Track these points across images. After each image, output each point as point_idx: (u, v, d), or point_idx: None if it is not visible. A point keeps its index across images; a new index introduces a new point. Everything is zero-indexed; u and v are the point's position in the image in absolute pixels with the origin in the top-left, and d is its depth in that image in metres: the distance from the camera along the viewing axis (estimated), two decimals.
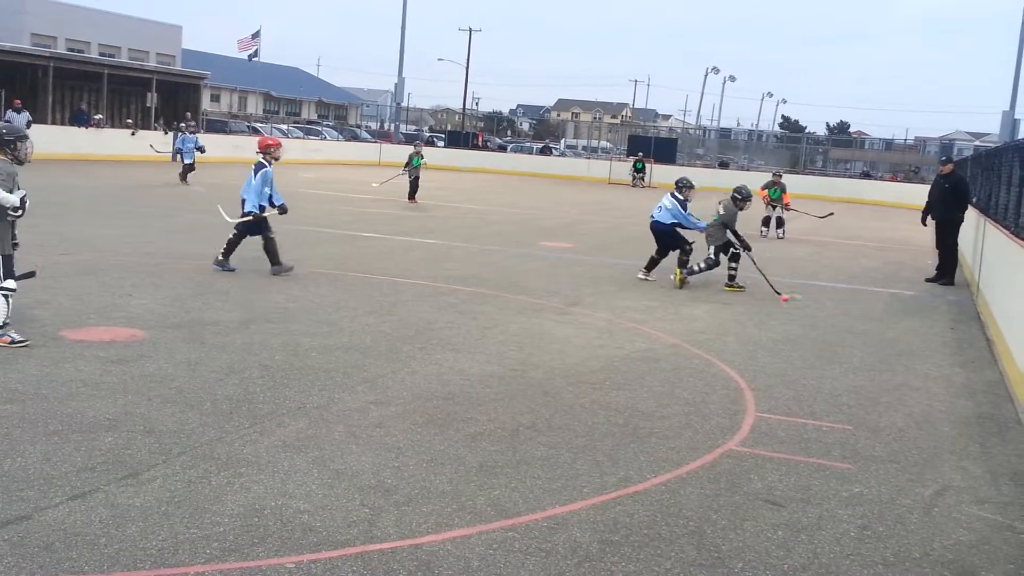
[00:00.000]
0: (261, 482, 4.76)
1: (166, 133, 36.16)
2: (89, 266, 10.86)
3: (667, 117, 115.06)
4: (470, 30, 71.27)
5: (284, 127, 54.46)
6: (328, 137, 53.49)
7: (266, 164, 11.27)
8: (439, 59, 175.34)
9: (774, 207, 20.98)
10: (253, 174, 11.21)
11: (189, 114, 37.29)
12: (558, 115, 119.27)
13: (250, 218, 11.15)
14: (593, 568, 4.05)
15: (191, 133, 26.43)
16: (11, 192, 6.95)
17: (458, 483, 4.91)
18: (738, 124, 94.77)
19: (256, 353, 7.35)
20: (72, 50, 47.19)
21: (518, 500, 4.69)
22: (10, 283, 7.07)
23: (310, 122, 67.44)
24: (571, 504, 4.73)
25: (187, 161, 25.16)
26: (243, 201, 11.28)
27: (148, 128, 37.04)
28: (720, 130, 74.31)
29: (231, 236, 11.17)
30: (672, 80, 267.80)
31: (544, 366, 7.55)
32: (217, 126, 43.73)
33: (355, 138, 56.71)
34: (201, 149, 25.68)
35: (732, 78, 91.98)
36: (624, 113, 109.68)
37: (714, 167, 46.25)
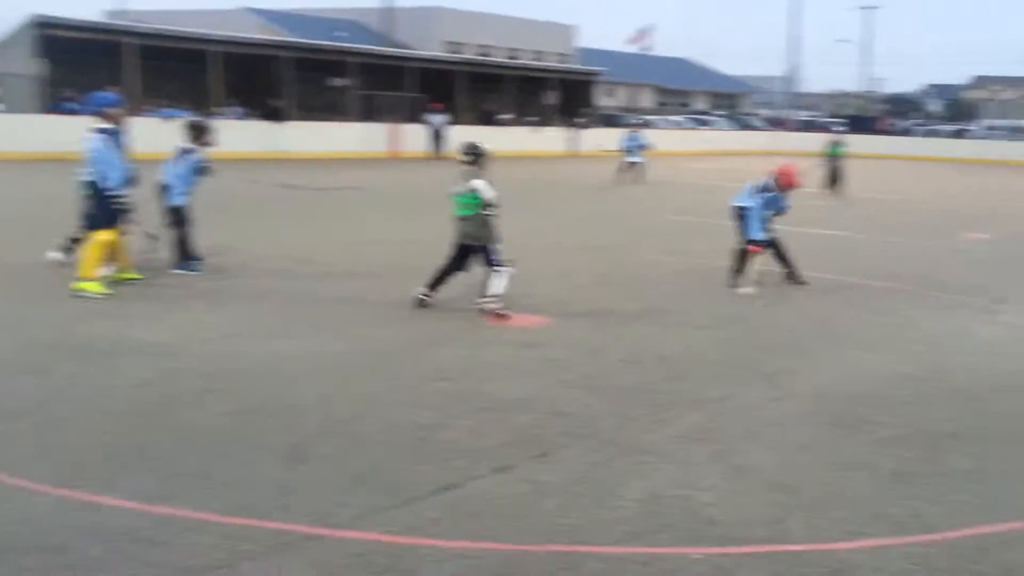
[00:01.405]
0: (662, 471, 4.83)
1: (564, 129, 37.94)
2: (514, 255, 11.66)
3: None
4: (868, 7, 67.28)
5: (675, 118, 54.96)
6: (719, 127, 53.16)
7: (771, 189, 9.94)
8: (837, 40, 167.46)
9: None
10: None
11: (585, 109, 38.89)
12: (974, 94, 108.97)
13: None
14: None
15: (636, 131, 25.59)
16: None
17: (871, 490, 4.65)
18: None
19: (654, 344, 7.48)
20: (479, 54, 51.09)
21: (940, 514, 4.35)
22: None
23: (701, 112, 67.43)
24: (1002, 524, 4.29)
25: (631, 160, 24.56)
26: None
27: (548, 125, 39.06)
28: None
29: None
30: None
31: (967, 369, 6.92)
32: (611, 120, 45.10)
33: (747, 127, 55.85)
34: (647, 147, 25.13)
35: None
36: None
37: None
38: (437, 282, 8.50)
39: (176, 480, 4.45)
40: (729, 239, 10.27)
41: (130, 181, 8.92)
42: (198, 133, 10.04)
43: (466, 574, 3.70)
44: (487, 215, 8.35)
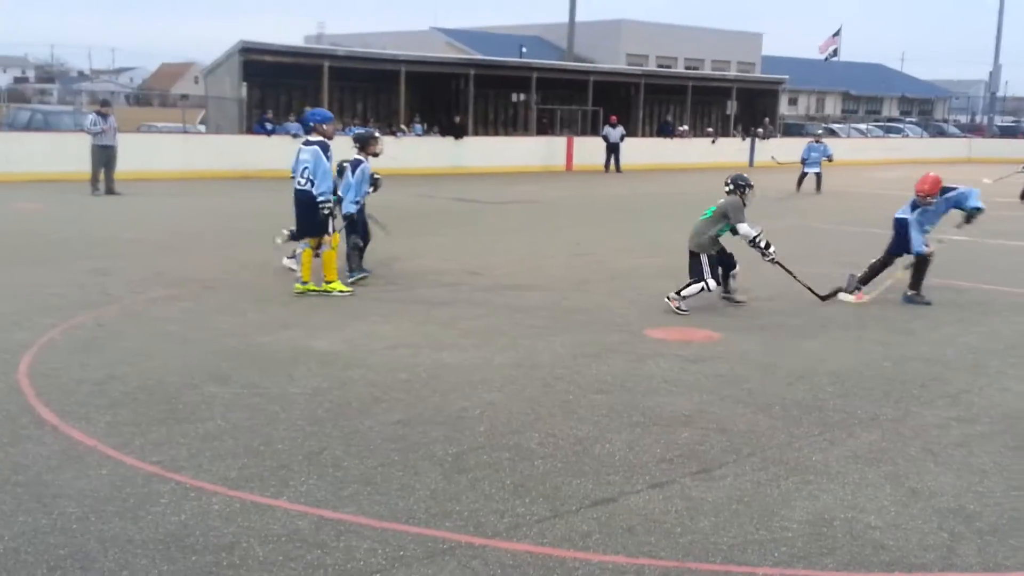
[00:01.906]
0: (830, 491, 4.66)
1: (743, 139, 37.16)
2: (670, 268, 11.55)
3: None
4: None
5: (863, 126, 52.81)
6: (910, 134, 50.71)
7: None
8: None
9: None
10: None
11: (767, 119, 37.95)
12: None
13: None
14: None
15: (818, 142, 25.14)
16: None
17: None
18: None
19: (826, 359, 7.22)
20: (661, 66, 50.72)
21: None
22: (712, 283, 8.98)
23: (891, 119, 64.49)
24: None
25: (810, 171, 24.21)
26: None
27: (727, 135, 38.38)
28: None
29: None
30: None
31: None
32: (793, 129, 43.82)
33: (941, 133, 53.00)
34: (829, 158, 24.61)
35: None
36: None
37: None
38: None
39: (342, 486, 4.65)
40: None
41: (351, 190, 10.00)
42: (364, 144, 10.56)
43: None
44: (713, 235, 9.11)
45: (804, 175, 24.41)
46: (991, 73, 49.30)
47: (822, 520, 4.33)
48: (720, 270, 9.15)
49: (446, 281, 10.48)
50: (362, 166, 10.41)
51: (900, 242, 9.60)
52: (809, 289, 9.41)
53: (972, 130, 54.32)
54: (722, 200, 9.30)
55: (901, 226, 9.62)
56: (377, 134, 11.13)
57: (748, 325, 8.38)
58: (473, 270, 11.28)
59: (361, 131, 11.54)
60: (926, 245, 9.47)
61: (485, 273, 11.08)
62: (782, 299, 9.64)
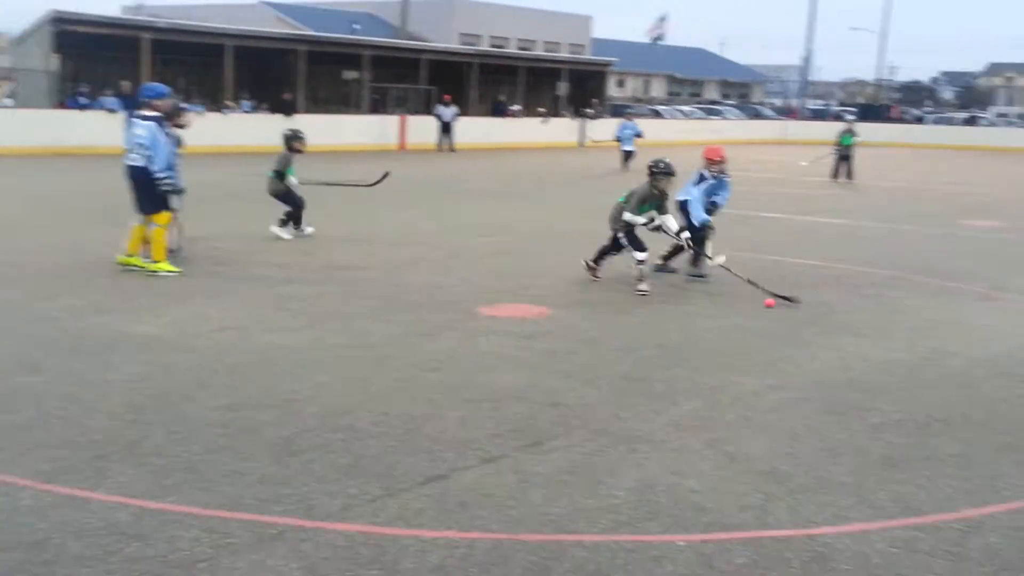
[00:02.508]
0: (654, 459, 4.84)
1: (574, 119, 37.88)
2: (503, 247, 11.69)
3: None
4: None
5: (686, 108, 54.78)
6: (729, 116, 52.97)
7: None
8: (852, 28, 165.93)
9: None
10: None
11: (596, 100, 38.76)
12: (988, 81, 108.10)
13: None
14: None
15: (629, 120, 26.22)
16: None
17: (858, 475, 4.65)
18: None
19: (652, 333, 7.47)
20: (494, 46, 50.98)
21: (925, 498, 4.34)
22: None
23: (712, 102, 67.15)
24: (988, 507, 4.29)
25: (626, 149, 25.20)
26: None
27: (558, 115, 39.00)
28: None
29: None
30: None
31: (961, 355, 6.91)
32: (620, 111, 44.99)
33: (757, 116, 55.61)
34: (639, 135, 25.70)
35: None
36: None
37: None
38: (599, 258, 9.68)
39: (165, 475, 4.48)
40: (733, 226, 10.26)
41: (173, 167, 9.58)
42: (170, 115, 10.25)
43: (451, 564, 3.71)
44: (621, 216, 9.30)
45: (624, 153, 25.26)
46: (803, 59, 52.00)
47: (647, 487, 4.48)
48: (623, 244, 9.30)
49: (276, 261, 10.25)
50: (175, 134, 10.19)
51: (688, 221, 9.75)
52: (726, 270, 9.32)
53: (786, 113, 57.24)
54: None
55: (684, 207, 9.88)
56: (183, 105, 10.87)
57: (576, 301, 8.57)
58: (304, 250, 11.07)
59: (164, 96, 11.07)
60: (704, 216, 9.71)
61: (316, 253, 10.89)
62: (608, 275, 9.89)
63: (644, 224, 9.19)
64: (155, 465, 4.59)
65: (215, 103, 29.19)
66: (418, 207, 16.05)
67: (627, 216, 9.07)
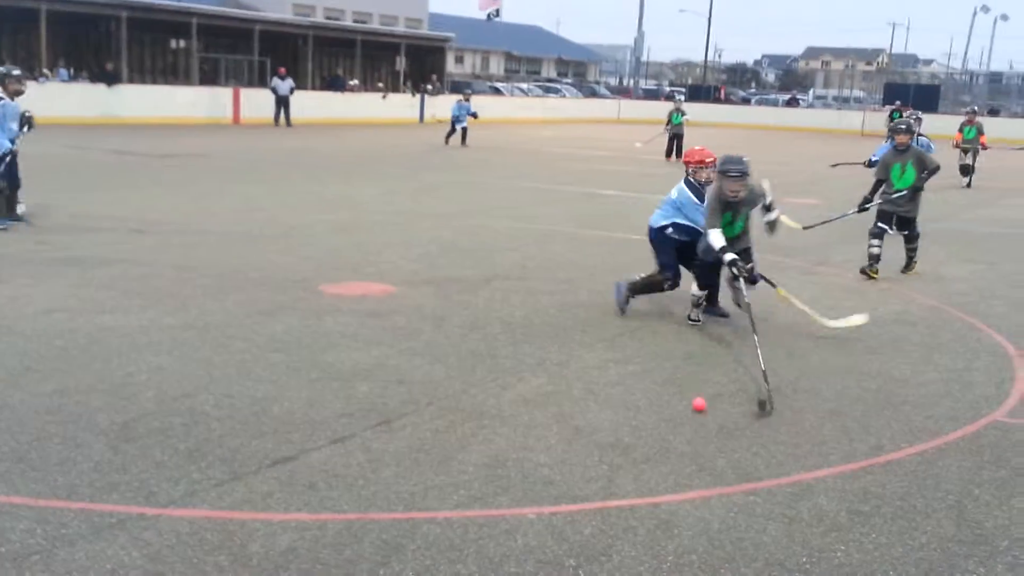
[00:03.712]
0: (503, 435, 4.89)
1: (413, 96, 37.64)
2: (344, 224, 11.53)
3: (929, 62, 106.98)
4: None
5: (525, 86, 55.29)
6: (567, 95, 53.84)
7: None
8: (680, 11, 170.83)
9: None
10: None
11: (435, 76, 38.62)
12: (806, 64, 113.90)
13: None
14: (840, 538, 3.89)
15: (466, 100, 26.53)
16: None
17: (697, 444, 4.84)
18: (1011, 67, 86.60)
19: (497, 310, 7.54)
20: (329, 18, 49.94)
21: (760, 464, 4.57)
22: None
23: (549, 80, 68.07)
24: (817, 471, 4.56)
25: (459, 126, 25.45)
26: None
27: (397, 91, 38.66)
28: (990, 74, 68.00)
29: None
30: (934, 22, 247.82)
31: (788, 327, 7.28)
32: (459, 87, 45.02)
33: (594, 95, 56.78)
34: (474, 115, 25.87)
35: (1004, 17, 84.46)
36: (880, 59, 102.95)
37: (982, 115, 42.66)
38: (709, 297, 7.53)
39: None
40: (573, 204, 10.42)
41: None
42: (2, 82, 10.09)
43: (301, 547, 3.65)
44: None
45: (452, 131, 25.39)
46: (635, 39, 53.32)
47: (496, 462, 4.53)
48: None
49: (105, 239, 9.77)
50: (2, 104, 9.91)
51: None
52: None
53: (621, 92, 58.65)
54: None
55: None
56: (17, 72, 10.33)
57: (421, 279, 8.54)
58: (135, 227, 10.59)
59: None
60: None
61: (149, 231, 10.44)
62: (453, 252, 9.91)
63: (727, 260, 6.68)
64: None
65: (30, 71, 27.42)
66: (255, 184, 15.62)
67: (713, 238, 6.72)
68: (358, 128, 31.64)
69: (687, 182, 7.47)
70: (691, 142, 23.98)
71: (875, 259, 9.40)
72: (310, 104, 32.40)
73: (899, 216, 9.60)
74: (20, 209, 10.49)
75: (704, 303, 7.47)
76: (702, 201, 7.20)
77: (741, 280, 6.62)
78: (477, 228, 11.60)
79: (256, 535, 3.72)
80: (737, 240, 6.94)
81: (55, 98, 25.51)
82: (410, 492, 4.17)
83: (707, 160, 7.41)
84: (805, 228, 10.38)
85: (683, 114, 24.21)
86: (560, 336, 6.85)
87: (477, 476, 4.36)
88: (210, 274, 8.31)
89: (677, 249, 7.49)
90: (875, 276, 9.29)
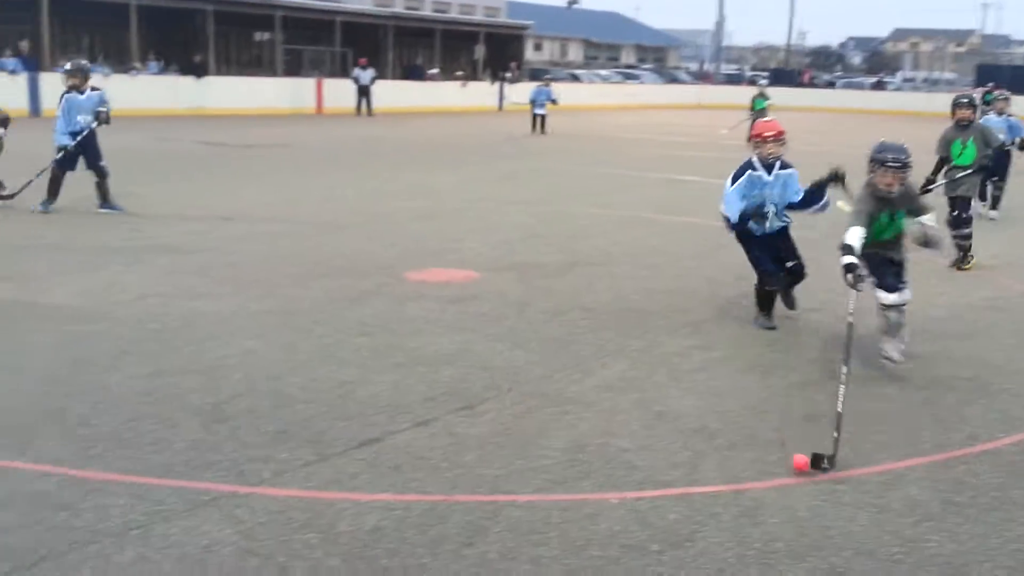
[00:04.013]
0: (586, 420, 4.89)
1: (492, 84, 37.72)
2: (426, 212, 11.63)
3: (1023, 43, 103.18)
4: None
5: (604, 72, 54.96)
6: (646, 81, 53.35)
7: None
8: None
9: None
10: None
11: (514, 64, 38.62)
12: (894, 46, 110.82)
13: None
14: (934, 528, 3.80)
15: (547, 85, 26.37)
16: None
17: (783, 431, 4.77)
18: None
19: (579, 296, 7.53)
20: (409, 9, 50.33)
21: (848, 452, 4.47)
22: None
23: (628, 66, 67.52)
24: (908, 460, 4.45)
25: (538, 112, 25.19)
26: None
27: (476, 79, 38.79)
28: None
29: None
30: None
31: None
32: (538, 75, 44.96)
33: (673, 80, 56.14)
34: (554, 101, 25.60)
35: None
36: (971, 40, 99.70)
37: None
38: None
39: (89, 444, 4.37)
40: (653, 190, 10.34)
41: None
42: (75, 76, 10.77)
43: (387, 526, 3.70)
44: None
45: (535, 116, 25.25)
46: (716, 23, 52.57)
47: (578, 447, 4.53)
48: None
49: (195, 228, 10.02)
50: (66, 97, 10.69)
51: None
52: None
53: (701, 77, 57.87)
54: None
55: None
56: (68, 67, 10.96)
57: (503, 265, 8.57)
58: (223, 215, 10.85)
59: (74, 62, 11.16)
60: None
61: (236, 219, 10.68)
62: (534, 239, 9.92)
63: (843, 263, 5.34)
64: (80, 434, 4.48)
65: (121, 65, 28.27)
66: (338, 172, 15.85)
67: (851, 236, 5.45)
68: (438, 116, 31.85)
69: (747, 162, 6.68)
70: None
71: (965, 250, 8.98)
72: (390, 93, 32.72)
73: (959, 196, 9.01)
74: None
75: (764, 310, 6.71)
76: (762, 179, 6.54)
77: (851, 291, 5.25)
78: (558, 214, 11.58)
79: (344, 514, 3.79)
80: (888, 246, 5.80)
81: (146, 91, 26.24)
82: (493, 475, 4.20)
83: (766, 134, 6.61)
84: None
85: (767, 99, 23.71)
86: (642, 322, 6.81)
87: (559, 460, 4.37)
88: (296, 262, 8.47)
89: (763, 241, 6.67)
90: (967, 268, 8.90)
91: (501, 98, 37.10)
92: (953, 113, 9.39)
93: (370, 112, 30.94)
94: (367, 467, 4.23)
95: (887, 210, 5.69)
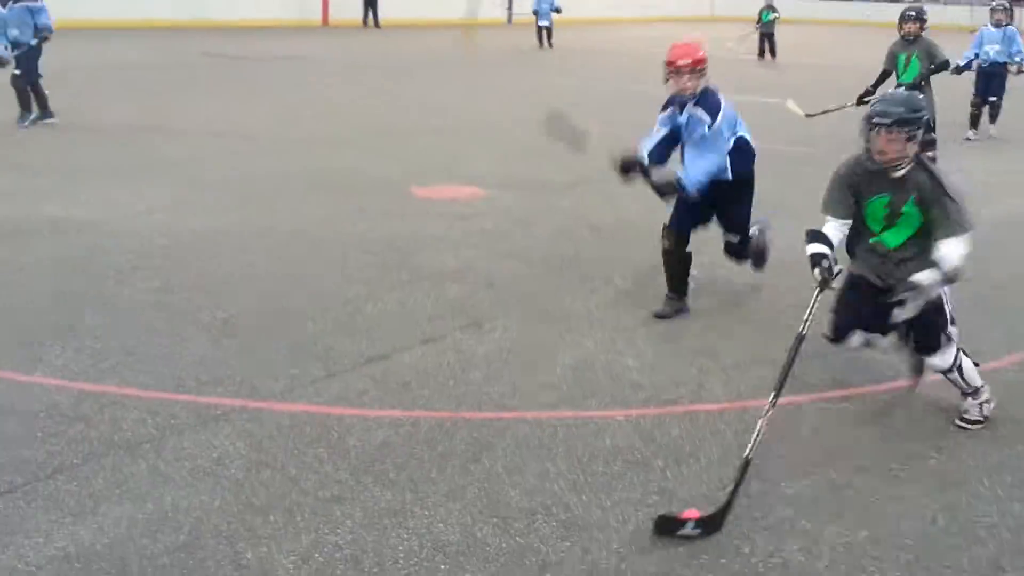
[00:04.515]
0: (592, 338, 4.92)
1: None
2: (432, 127, 11.53)
3: None
4: None
5: None
6: None
7: None
8: None
9: None
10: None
11: None
12: None
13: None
14: (935, 445, 3.82)
15: None
16: None
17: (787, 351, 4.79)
18: None
19: (586, 214, 7.50)
20: None
21: (853, 372, 4.51)
22: None
23: None
24: (904, 381, 4.47)
25: (542, 24, 24.38)
26: None
27: None
28: None
29: None
30: None
31: None
32: None
33: None
34: (557, 10, 24.59)
35: None
36: None
37: None
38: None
39: (101, 357, 4.42)
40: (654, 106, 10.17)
41: None
42: None
43: (396, 442, 3.76)
44: None
45: (540, 29, 24.48)
46: None
47: (585, 365, 4.57)
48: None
49: (198, 143, 9.98)
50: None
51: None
52: None
53: None
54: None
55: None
56: None
57: (510, 183, 8.53)
58: (227, 132, 10.79)
59: None
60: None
61: (239, 134, 10.62)
62: (540, 156, 9.84)
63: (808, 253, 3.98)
64: (91, 348, 4.53)
65: None
66: (343, 87, 15.66)
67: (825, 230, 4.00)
68: (445, 29, 31.31)
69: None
70: (785, 42, 23.23)
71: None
72: (396, 4, 32.09)
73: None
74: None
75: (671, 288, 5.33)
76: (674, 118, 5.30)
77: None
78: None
79: (353, 429, 3.84)
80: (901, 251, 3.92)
81: (145, 0, 25.78)
82: (500, 392, 4.25)
83: (672, 61, 5.12)
84: (807, 116, 9.78)
85: (774, 11, 23.08)
86: (648, 240, 6.77)
87: (565, 378, 4.41)
88: (301, 177, 8.45)
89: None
90: None
91: (510, 11, 36.38)
92: (899, 27, 9.13)
93: (376, 24, 30.41)
94: (375, 384, 4.27)
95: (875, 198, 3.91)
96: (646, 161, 5.22)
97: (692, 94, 5.15)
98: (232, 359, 4.47)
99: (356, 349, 4.64)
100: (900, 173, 3.79)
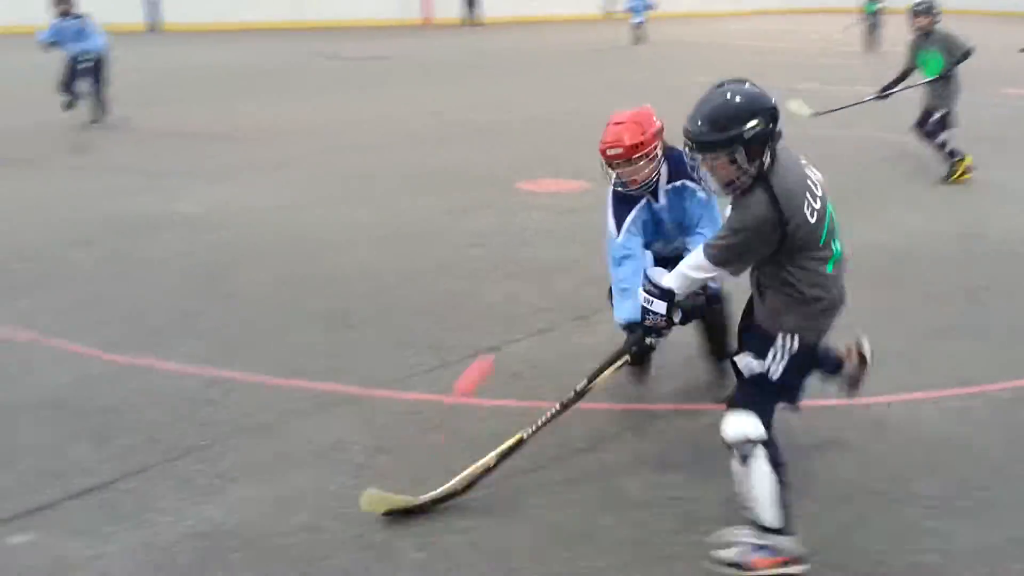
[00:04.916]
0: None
1: None
2: (534, 122, 11.55)
3: None
4: None
5: None
6: None
7: None
8: None
9: None
10: None
11: None
12: None
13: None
14: None
15: None
16: None
17: (912, 344, 4.66)
18: None
19: None
20: None
21: (976, 369, 4.35)
22: None
23: None
24: None
25: (636, 21, 24.02)
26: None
27: None
28: None
29: None
30: None
31: (1005, 226, 6.83)
32: None
33: None
34: (650, 7, 24.06)
35: None
36: None
37: None
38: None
39: (225, 346, 4.57)
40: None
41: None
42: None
43: (511, 431, 3.77)
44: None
45: (633, 26, 24.19)
46: None
47: (695, 358, 4.49)
48: None
49: (301, 142, 10.19)
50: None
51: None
52: None
53: None
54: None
55: None
56: None
57: None
58: (330, 130, 11.00)
59: None
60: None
61: (343, 132, 10.81)
62: None
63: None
64: (215, 337, 4.68)
65: None
66: (445, 84, 15.81)
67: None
68: (542, 26, 31.36)
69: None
70: (888, 34, 22.47)
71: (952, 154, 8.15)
72: (496, 3, 32.28)
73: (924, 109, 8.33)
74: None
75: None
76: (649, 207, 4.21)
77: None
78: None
79: (469, 418, 3.88)
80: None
81: (245, 6, 26.44)
82: (612, 384, 4.21)
83: (604, 151, 4.20)
84: (814, 115, 9.18)
85: (879, 1, 22.31)
86: None
87: (677, 373, 4.37)
88: (407, 174, 8.56)
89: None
90: (961, 179, 8.10)
91: (606, 6, 36.23)
92: (911, 22, 8.65)
93: (478, 20, 30.60)
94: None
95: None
96: (676, 319, 3.41)
97: (655, 177, 4.09)
98: (348, 349, 4.57)
99: (466, 340, 4.69)
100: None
